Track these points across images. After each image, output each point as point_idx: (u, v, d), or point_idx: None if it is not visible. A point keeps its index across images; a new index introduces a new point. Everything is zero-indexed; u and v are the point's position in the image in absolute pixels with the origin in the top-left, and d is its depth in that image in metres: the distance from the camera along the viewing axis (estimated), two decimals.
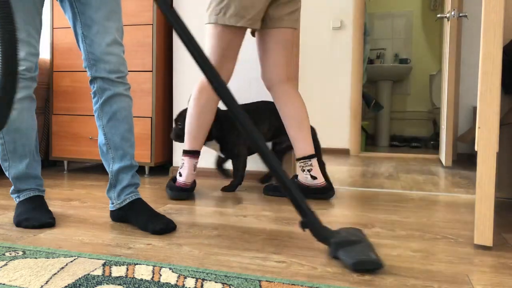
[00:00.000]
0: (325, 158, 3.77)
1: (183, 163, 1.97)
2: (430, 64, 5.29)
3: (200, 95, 1.93)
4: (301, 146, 1.95)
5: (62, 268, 1.06)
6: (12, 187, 1.53)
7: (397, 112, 5.41)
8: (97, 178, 2.51)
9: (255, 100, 2.39)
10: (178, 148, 2.62)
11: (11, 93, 0.90)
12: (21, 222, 1.45)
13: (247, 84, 2.44)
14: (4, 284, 0.96)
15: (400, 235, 1.42)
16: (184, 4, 2.57)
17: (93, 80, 1.49)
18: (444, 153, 3.31)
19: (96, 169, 2.88)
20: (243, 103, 2.32)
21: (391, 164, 3.42)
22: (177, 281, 0.99)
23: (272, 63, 1.97)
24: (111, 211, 1.54)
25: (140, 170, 2.53)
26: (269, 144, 2.28)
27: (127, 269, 1.06)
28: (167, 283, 0.98)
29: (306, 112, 1.98)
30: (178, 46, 2.59)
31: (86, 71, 1.51)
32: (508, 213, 1.77)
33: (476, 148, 1.25)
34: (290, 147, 2.17)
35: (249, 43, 2.32)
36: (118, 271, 1.05)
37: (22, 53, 1.40)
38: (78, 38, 1.49)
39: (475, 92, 3.69)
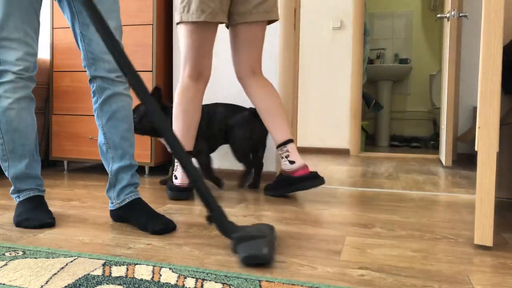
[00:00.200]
0: (325, 158, 3.78)
1: (176, 166, 2.00)
2: (430, 64, 5.29)
3: (182, 98, 1.95)
4: (277, 135, 1.97)
5: (62, 268, 1.06)
6: (12, 187, 1.53)
7: (397, 112, 5.41)
8: (97, 178, 2.51)
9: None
10: None
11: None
12: (21, 222, 1.45)
13: None
14: (4, 284, 0.96)
15: (400, 235, 1.42)
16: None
17: (92, 79, 1.49)
18: (444, 153, 3.31)
19: (96, 169, 2.88)
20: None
21: (391, 164, 3.42)
22: (177, 281, 0.99)
23: (239, 59, 2.00)
24: (111, 211, 1.54)
25: (140, 170, 2.53)
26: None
27: (127, 269, 1.06)
28: (167, 283, 0.98)
29: (278, 99, 1.98)
30: (178, 46, 2.59)
31: (85, 70, 1.51)
32: (508, 213, 1.76)
33: (476, 148, 1.25)
34: None
35: None
36: (118, 271, 1.05)
37: (19, 53, 1.40)
38: (77, 38, 1.49)
39: (475, 92, 3.69)
